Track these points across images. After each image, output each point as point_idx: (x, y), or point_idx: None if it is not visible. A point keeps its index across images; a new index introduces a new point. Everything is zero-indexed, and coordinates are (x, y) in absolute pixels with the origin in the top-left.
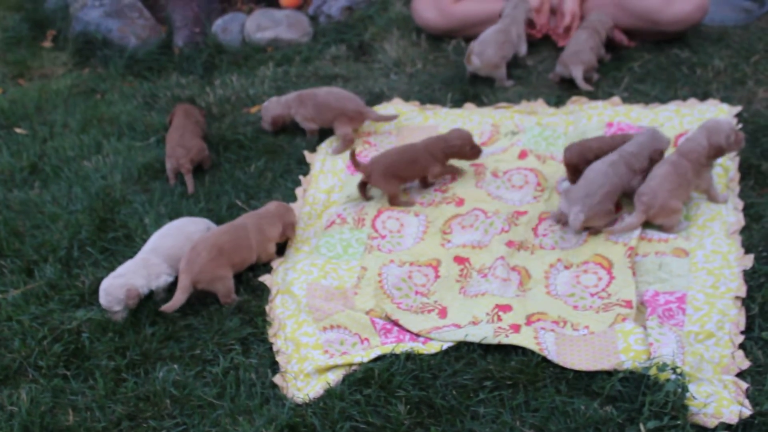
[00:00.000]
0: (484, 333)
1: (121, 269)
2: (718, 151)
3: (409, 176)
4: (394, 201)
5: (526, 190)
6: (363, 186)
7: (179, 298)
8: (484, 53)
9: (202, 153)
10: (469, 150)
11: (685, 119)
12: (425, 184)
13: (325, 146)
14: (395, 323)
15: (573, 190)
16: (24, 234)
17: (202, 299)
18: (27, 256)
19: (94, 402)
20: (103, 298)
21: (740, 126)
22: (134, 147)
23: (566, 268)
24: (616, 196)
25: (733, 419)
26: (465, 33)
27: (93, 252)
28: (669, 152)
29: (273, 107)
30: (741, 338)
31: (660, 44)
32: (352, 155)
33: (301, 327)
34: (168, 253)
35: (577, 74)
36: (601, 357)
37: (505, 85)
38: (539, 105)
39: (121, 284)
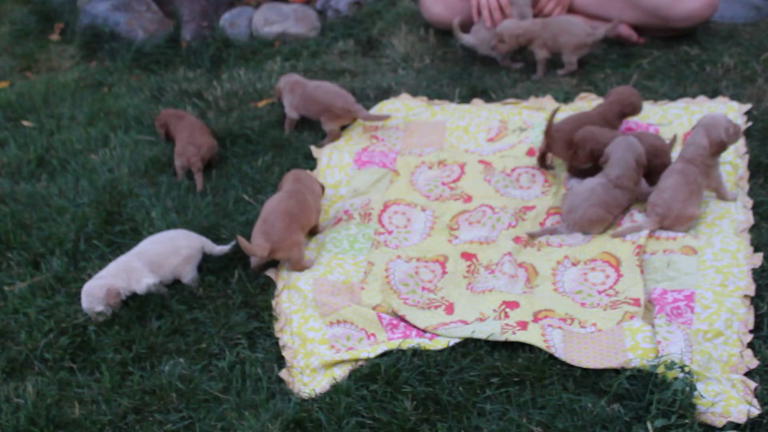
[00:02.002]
0: (491, 329)
1: (102, 272)
2: (721, 147)
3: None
4: (572, 172)
5: (534, 188)
6: (543, 157)
7: (257, 251)
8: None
9: (212, 151)
10: (639, 104)
11: (694, 117)
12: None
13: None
14: (402, 319)
15: (563, 204)
16: (31, 227)
17: (208, 293)
18: (34, 249)
19: (100, 395)
20: (85, 301)
21: (750, 123)
22: (141, 140)
23: (573, 265)
24: (611, 207)
25: (742, 418)
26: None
27: (100, 245)
28: (674, 154)
29: (280, 80)
30: (749, 337)
31: (669, 41)
32: (551, 119)
33: (307, 322)
34: (152, 259)
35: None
36: (608, 355)
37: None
38: (547, 101)
39: (101, 284)
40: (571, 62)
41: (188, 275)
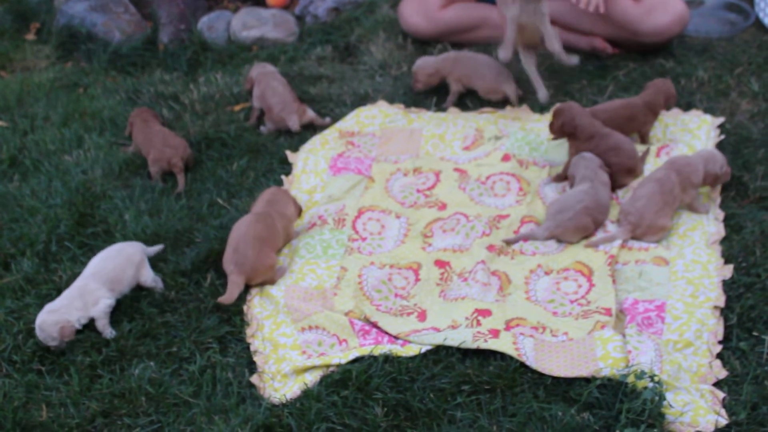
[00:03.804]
0: (463, 337)
1: (56, 303)
2: (714, 179)
3: (624, 133)
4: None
5: (509, 197)
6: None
7: (233, 294)
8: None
9: (187, 150)
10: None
11: (668, 129)
12: (644, 140)
13: (308, 146)
14: (374, 325)
15: (552, 205)
16: (1, 227)
17: (179, 296)
18: (4, 250)
19: (68, 398)
20: (39, 334)
21: (722, 137)
22: (116, 143)
23: (546, 274)
24: (597, 212)
25: (710, 428)
26: (451, 39)
27: (71, 247)
28: (651, 165)
29: (253, 69)
30: (719, 348)
31: (645, 54)
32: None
33: (279, 328)
34: (110, 276)
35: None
36: (579, 364)
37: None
38: (523, 111)
39: (54, 321)
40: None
41: (148, 277)
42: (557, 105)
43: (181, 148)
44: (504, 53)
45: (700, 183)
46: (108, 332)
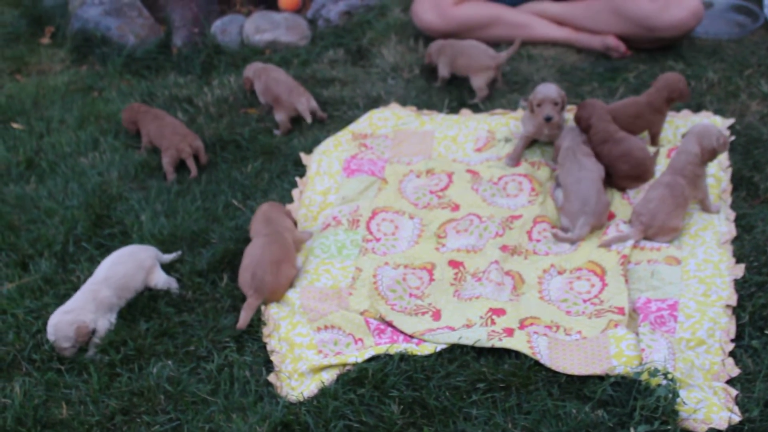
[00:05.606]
0: (477, 336)
1: (69, 304)
2: (712, 154)
3: (634, 132)
4: None
5: (521, 197)
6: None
7: (247, 320)
8: None
9: (196, 139)
10: (686, 90)
11: (678, 130)
12: (654, 142)
13: (322, 147)
14: (389, 324)
15: (567, 206)
16: (19, 228)
17: (196, 296)
18: (22, 250)
19: (87, 396)
20: (52, 334)
21: (732, 138)
22: (131, 145)
23: (559, 273)
24: (608, 200)
25: (723, 425)
26: (464, 36)
27: (88, 247)
28: (661, 166)
29: (248, 69)
30: (731, 346)
31: (655, 56)
32: None
33: (295, 328)
34: (120, 282)
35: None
36: (593, 362)
37: None
38: None
39: (70, 321)
40: (480, 87)
41: (160, 280)
42: (584, 101)
43: (190, 136)
44: (510, 162)
45: (705, 166)
46: (92, 352)
